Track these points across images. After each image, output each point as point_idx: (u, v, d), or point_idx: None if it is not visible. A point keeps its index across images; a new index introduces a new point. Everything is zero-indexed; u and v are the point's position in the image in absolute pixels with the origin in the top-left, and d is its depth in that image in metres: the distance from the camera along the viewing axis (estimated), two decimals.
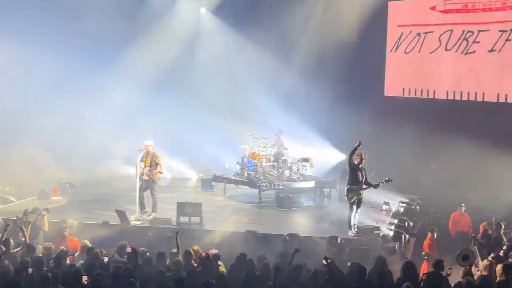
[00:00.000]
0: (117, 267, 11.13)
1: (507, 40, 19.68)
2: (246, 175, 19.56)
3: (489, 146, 19.28)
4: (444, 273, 11.07)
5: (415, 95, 21.77)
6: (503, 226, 15.53)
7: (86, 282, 10.11)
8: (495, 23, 19.88)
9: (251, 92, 21.95)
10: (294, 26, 23.25)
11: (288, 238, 14.03)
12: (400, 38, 22.03)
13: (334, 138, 21.76)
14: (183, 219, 16.06)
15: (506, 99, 19.86)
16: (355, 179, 15.26)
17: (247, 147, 19.83)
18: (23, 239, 13.03)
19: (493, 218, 16.35)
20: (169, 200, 18.20)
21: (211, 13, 23.71)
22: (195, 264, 11.77)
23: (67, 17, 22.51)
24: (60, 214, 15.96)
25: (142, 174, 16.39)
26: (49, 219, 14.99)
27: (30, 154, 22.09)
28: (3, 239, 12.64)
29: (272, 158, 19.69)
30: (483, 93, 20.28)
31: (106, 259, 11.58)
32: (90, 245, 13.00)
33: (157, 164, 16.40)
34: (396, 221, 17.10)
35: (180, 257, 11.87)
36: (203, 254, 11.77)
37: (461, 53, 20.68)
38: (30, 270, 10.99)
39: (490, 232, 15.52)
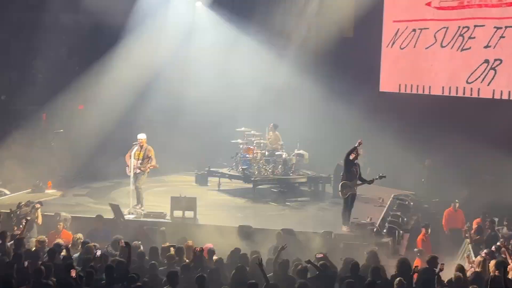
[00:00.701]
0: (111, 261, 11.14)
1: (501, 37, 19.68)
2: (241, 170, 19.56)
3: (484, 143, 19.31)
4: (436, 269, 11.11)
5: (411, 91, 21.77)
6: (496, 223, 15.59)
7: (74, 275, 10.07)
8: (491, 19, 19.89)
9: (245, 87, 21.91)
10: (289, 21, 23.21)
11: (282, 233, 14.04)
12: (396, 33, 22.02)
13: (328, 133, 21.74)
14: (177, 213, 16.05)
15: (501, 95, 19.88)
16: (350, 175, 15.28)
17: (242, 142, 19.82)
18: (18, 232, 13.02)
19: (486, 215, 16.39)
20: (163, 194, 18.22)
21: (206, 7, 23.64)
22: (187, 260, 11.76)
23: (63, 10, 22.48)
24: (54, 207, 15.94)
25: (134, 168, 16.35)
26: (43, 213, 14.96)
27: (24, 147, 22.07)
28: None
29: (266, 153, 19.69)
30: (479, 89, 20.29)
31: (99, 252, 11.57)
32: (83, 239, 12.99)
33: (149, 157, 16.37)
34: (389, 216, 17.13)
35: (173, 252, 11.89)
36: (197, 249, 11.77)
37: (457, 50, 20.68)
38: (25, 263, 11.00)
39: (484, 228, 15.60)
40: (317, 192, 19.68)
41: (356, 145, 15.23)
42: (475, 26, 20.25)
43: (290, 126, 20.85)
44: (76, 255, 12.25)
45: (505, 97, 19.81)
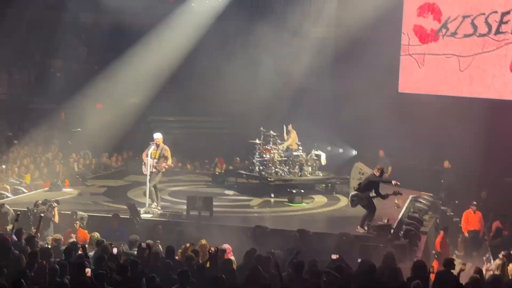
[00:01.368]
0: (127, 260, 11.14)
1: None
2: (258, 170, 19.52)
3: (503, 145, 19.14)
4: (457, 270, 10.98)
5: (430, 92, 21.63)
6: None
7: (90, 275, 10.10)
8: None
9: (263, 87, 21.87)
10: (307, 20, 23.12)
11: (298, 234, 13.97)
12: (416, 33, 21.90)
13: (346, 134, 21.66)
14: (193, 213, 16.03)
15: None
16: (365, 189, 15.20)
17: (259, 142, 19.77)
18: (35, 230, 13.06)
19: (506, 217, 16.24)
20: (179, 194, 18.22)
21: (225, 5, 23.58)
22: (200, 260, 11.73)
23: (83, 9, 22.60)
24: (70, 206, 15.99)
25: (150, 167, 16.35)
26: (60, 211, 15.00)
27: (42, 146, 22.22)
28: (15, 230, 12.72)
29: (283, 154, 19.63)
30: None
31: (115, 250, 11.57)
32: (100, 238, 13.00)
33: (165, 157, 16.36)
34: (407, 218, 16.99)
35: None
36: (212, 249, 11.73)
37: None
38: (41, 261, 11.01)
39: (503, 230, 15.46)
40: (334, 193, 19.57)
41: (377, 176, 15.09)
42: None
43: (307, 126, 20.77)
44: (91, 253, 12.26)
45: None
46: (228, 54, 22.74)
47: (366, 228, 15.18)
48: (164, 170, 16.49)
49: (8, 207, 15.33)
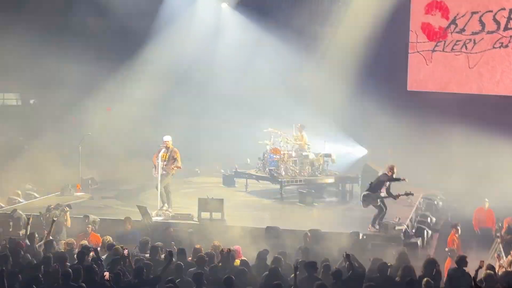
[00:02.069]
0: (139, 262, 11.19)
1: None
2: (268, 170, 19.53)
3: None
4: (474, 267, 10.99)
5: (439, 89, 21.60)
6: None
7: (108, 278, 10.17)
8: None
9: (271, 87, 21.89)
10: (315, 19, 23.11)
11: (309, 234, 13.99)
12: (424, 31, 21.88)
13: (356, 133, 21.65)
14: (205, 214, 16.06)
15: None
16: (376, 188, 15.18)
17: (269, 142, 19.79)
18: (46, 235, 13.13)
19: None
20: (191, 196, 18.26)
21: (232, 8, 23.65)
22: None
23: (91, 13, 22.66)
24: (82, 210, 16.05)
25: (161, 169, 16.40)
26: (72, 215, 15.06)
27: (53, 150, 22.29)
28: (28, 234, 12.79)
29: (293, 154, 19.64)
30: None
31: (126, 251, 11.62)
32: (112, 241, 13.05)
33: (175, 159, 16.41)
34: (418, 217, 16.97)
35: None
36: (225, 250, 11.77)
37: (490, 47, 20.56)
38: (55, 265, 11.08)
39: None
40: (344, 193, 19.57)
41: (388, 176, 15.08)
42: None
43: (317, 126, 20.77)
44: (103, 257, 12.31)
45: None
46: (235, 54, 22.78)
47: (377, 227, 15.16)
48: (174, 172, 16.54)
49: (20, 212, 15.42)
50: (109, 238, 13.32)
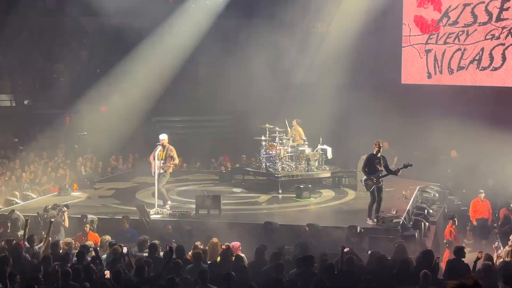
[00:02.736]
0: (140, 261, 11.22)
1: None
2: (264, 166, 19.56)
3: (509, 132, 19.15)
4: (473, 258, 11.05)
5: (433, 82, 21.66)
6: None
7: (109, 276, 10.21)
8: None
9: (267, 83, 21.90)
10: (308, 14, 23.13)
11: (307, 229, 14.03)
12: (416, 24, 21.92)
13: (351, 127, 21.67)
14: (202, 211, 16.09)
15: None
16: (372, 169, 15.23)
17: (265, 138, 19.81)
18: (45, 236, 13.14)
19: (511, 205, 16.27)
20: (188, 193, 18.28)
21: (224, 3, 23.60)
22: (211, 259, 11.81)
23: (83, 13, 22.65)
24: (80, 210, 16.06)
25: (158, 168, 16.44)
26: (70, 215, 15.07)
27: (49, 151, 22.30)
28: (27, 236, 12.81)
29: (290, 149, 19.66)
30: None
31: (125, 249, 11.66)
32: (111, 240, 13.07)
33: (171, 157, 16.45)
34: (415, 209, 17.03)
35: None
36: (223, 246, 11.81)
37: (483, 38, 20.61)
38: (55, 265, 11.09)
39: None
40: (341, 187, 19.61)
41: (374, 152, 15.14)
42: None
43: (312, 121, 20.80)
44: (103, 256, 12.34)
45: None
46: (229, 52, 22.78)
47: (375, 219, 15.21)
48: (171, 170, 16.57)
49: (18, 213, 15.41)
50: (108, 238, 13.35)
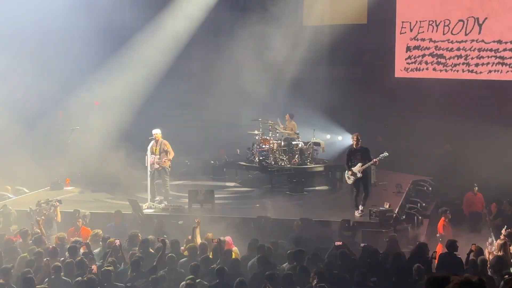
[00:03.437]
0: (134, 256, 11.22)
1: None
2: (258, 160, 19.54)
3: (502, 125, 19.19)
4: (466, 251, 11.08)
5: (427, 76, 21.64)
6: None
7: (96, 271, 10.20)
8: None
9: (260, 77, 21.86)
10: (301, 9, 23.06)
11: (300, 223, 14.03)
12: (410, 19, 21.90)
13: (345, 121, 21.67)
14: (195, 206, 16.08)
15: None
16: (352, 162, 15.34)
17: (258, 132, 19.80)
18: (38, 230, 13.12)
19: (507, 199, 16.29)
20: (181, 187, 18.25)
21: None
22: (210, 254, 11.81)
23: (76, 6, 22.51)
24: (72, 204, 16.01)
25: (152, 163, 16.43)
26: (62, 210, 15.03)
27: (42, 145, 22.21)
28: (20, 230, 12.78)
29: (283, 143, 19.65)
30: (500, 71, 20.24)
31: (118, 242, 11.66)
32: (102, 235, 13.04)
33: (166, 151, 16.42)
34: (408, 203, 17.05)
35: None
36: (215, 241, 11.82)
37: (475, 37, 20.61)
38: (46, 260, 11.07)
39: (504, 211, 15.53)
40: (334, 181, 19.59)
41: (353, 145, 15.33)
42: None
43: (305, 115, 20.80)
44: (96, 250, 12.32)
45: None
46: (222, 46, 22.72)
47: (360, 212, 15.21)
48: (168, 165, 16.55)
49: (10, 207, 15.37)
50: (99, 232, 13.30)
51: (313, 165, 19.77)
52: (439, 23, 21.18)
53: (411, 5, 21.70)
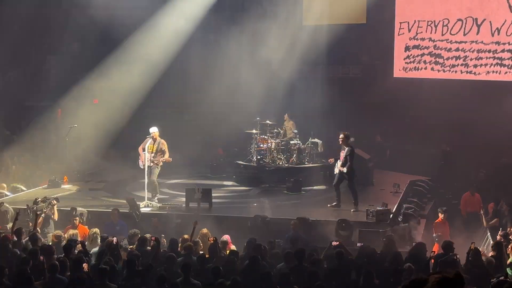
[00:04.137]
0: (130, 255, 11.21)
1: None
2: (256, 159, 19.54)
3: (501, 125, 19.18)
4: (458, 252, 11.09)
5: (425, 76, 21.64)
6: None
7: (87, 269, 10.20)
8: None
9: (258, 76, 21.84)
10: (299, 9, 23.02)
11: (298, 222, 14.02)
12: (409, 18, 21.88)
13: (343, 121, 21.64)
14: (193, 205, 16.07)
15: None
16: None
17: (256, 131, 19.79)
18: (32, 228, 13.11)
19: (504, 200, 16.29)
20: (178, 186, 18.25)
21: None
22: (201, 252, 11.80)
23: (75, 5, 22.50)
24: (70, 202, 16.00)
25: (148, 161, 16.38)
26: (59, 208, 15.02)
27: (40, 143, 22.20)
28: (15, 229, 12.76)
29: (281, 143, 19.65)
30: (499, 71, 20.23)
31: (115, 240, 11.65)
32: (99, 233, 13.03)
33: (163, 151, 16.40)
34: (406, 202, 17.05)
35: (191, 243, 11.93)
36: (211, 239, 11.81)
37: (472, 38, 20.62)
38: (41, 258, 11.07)
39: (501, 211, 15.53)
40: (332, 180, 19.55)
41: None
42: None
43: (303, 114, 20.78)
44: (95, 249, 12.31)
45: None
46: (220, 45, 22.70)
47: (357, 207, 15.64)
48: (161, 163, 16.52)
49: (7, 205, 15.36)
50: (96, 230, 13.29)
51: (311, 165, 19.76)
52: (438, 23, 21.16)
53: (410, 5, 21.67)
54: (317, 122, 20.49)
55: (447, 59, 21.13)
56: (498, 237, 12.58)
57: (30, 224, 13.57)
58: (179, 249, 12.07)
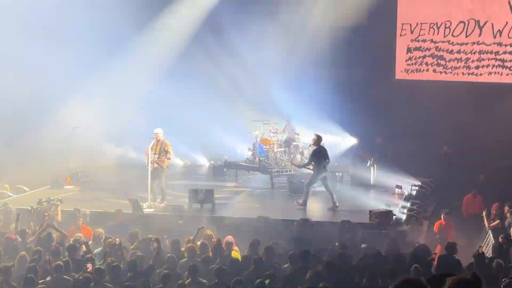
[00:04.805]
0: (135, 256, 11.24)
1: None
2: (258, 161, 19.56)
3: (501, 127, 19.21)
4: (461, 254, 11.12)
5: (427, 77, 21.67)
6: None
7: (91, 269, 10.24)
8: None
9: (260, 78, 21.87)
10: (302, 9, 23.03)
11: (301, 223, 14.05)
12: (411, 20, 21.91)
13: (345, 122, 21.69)
14: (195, 206, 16.09)
15: None
16: None
17: (258, 133, 19.82)
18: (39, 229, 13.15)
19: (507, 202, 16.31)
20: (181, 187, 18.26)
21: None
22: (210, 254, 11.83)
23: (77, 5, 22.50)
24: (73, 203, 16.02)
25: (152, 162, 16.42)
26: (62, 209, 15.04)
27: (42, 144, 22.20)
28: (18, 229, 12.80)
29: (283, 144, 19.68)
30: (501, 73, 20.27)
31: (118, 240, 11.68)
32: (103, 234, 13.06)
33: (166, 151, 16.42)
34: (408, 204, 17.07)
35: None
36: (214, 240, 11.84)
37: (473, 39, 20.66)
38: (47, 257, 11.10)
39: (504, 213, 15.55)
40: (335, 181, 19.58)
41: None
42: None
43: (305, 115, 20.81)
44: (98, 250, 12.33)
45: None
46: (223, 45, 22.72)
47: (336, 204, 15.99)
48: (167, 165, 16.54)
49: (11, 206, 15.38)
50: (101, 231, 13.31)
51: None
52: (440, 25, 21.20)
53: (412, 6, 21.70)
54: (319, 123, 20.52)
55: (449, 60, 21.18)
56: (500, 240, 12.61)
57: (32, 224, 13.59)
58: (182, 249, 12.11)
